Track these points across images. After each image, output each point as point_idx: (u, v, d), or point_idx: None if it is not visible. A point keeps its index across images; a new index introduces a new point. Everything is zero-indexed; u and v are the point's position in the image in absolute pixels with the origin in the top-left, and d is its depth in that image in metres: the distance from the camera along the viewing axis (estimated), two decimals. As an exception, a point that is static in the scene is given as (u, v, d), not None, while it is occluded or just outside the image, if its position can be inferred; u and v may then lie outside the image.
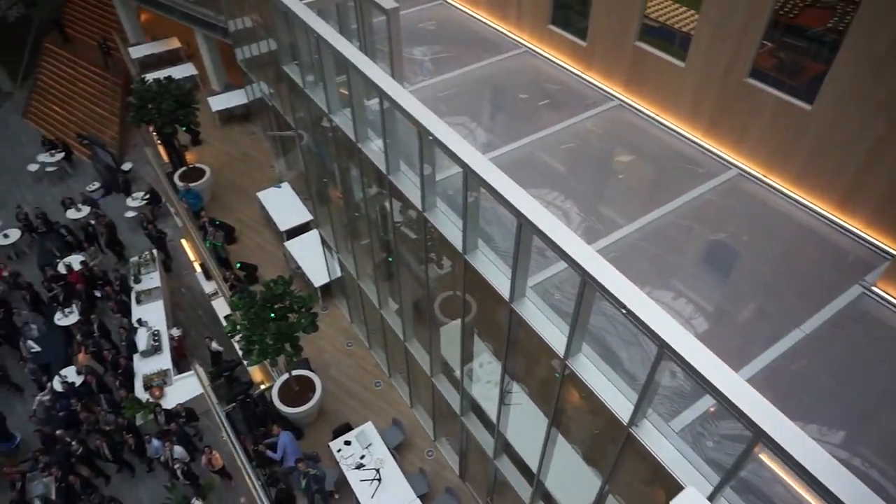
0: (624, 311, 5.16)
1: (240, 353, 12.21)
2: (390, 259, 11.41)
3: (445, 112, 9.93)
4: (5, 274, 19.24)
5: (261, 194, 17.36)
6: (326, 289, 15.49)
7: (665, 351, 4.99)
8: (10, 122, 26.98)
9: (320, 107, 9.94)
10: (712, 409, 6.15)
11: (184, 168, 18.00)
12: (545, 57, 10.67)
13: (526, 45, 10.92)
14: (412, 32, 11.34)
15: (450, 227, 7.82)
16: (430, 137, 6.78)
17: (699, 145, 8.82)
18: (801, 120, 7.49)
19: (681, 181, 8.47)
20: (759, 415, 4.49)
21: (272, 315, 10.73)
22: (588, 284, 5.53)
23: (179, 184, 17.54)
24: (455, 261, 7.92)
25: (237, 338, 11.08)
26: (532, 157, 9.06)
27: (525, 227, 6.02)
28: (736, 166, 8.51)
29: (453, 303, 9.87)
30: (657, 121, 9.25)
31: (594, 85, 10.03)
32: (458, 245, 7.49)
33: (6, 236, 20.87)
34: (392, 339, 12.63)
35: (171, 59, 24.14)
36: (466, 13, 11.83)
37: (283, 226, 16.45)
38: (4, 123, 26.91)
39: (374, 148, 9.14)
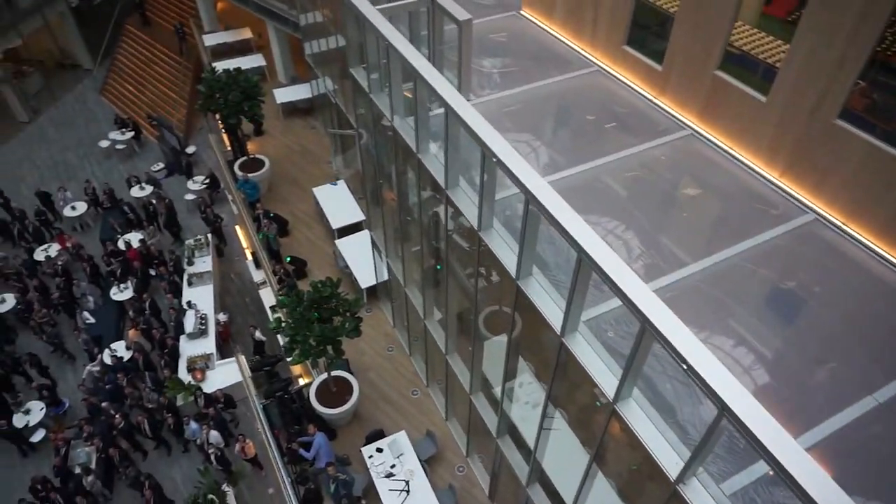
0: (685, 367, 4.85)
1: (282, 347, 12.29)
2: (438, 267, 11.27)
3: (510, 128, 9.72)
4: (69, 245, 20.02)
5: (316, 190, 17.52)
6: (372, 291, 15.48)
7: (725, 415, 4.67)
8: (89, 98, 28.13)
9: (384, 113, 9.87)
10: (769, 475, 5.75)
11: (244, 158, 18.35)
12: (617, 78, 10.31)
13: (598, 65, 10.59)
14: (483, 43, 11.15)
15: (505, 250, 7.60)
16: (494, 160, 6.58)
17: (775, 185, 8.33)
18: (894, 168, 6.97)
19: (752, 222, 8.01)
20: (815, 489, 4.14)
21: (317, 315, 10.74)
22: (647, 332, 5.23)
23: (239, 173, 17.90)
24: (507, 284, 7.69)
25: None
26: (595, 182, 8.75)
27: (585, 264, 5.76)
28: (814, 211, 8.00)
29: (499, 318, 9.65)
30: (731, 155, 8.80)
31: (666, 111, 9.63)
32: (512, 270, 7.27)
33: (73, 208, 21.73)
34: (433, 348, 12.49)
35: (242, 48, 24.68)
36: (540, 27, 11.56)
37: (336, 223, 16.54)
38: (83, 99, 28.08)
39: (434, 160, 9.00)
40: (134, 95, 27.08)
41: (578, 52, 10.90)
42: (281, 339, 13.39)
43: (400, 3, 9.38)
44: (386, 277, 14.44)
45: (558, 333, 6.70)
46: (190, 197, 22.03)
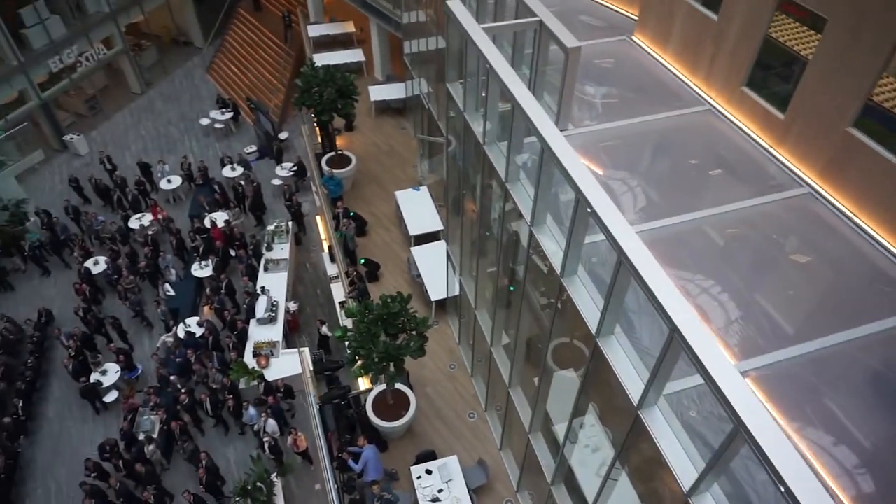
0: (783, 490, 4.22)
1: (345, 356, 12.21)
2: (511, 288, 10.85)
3: (606, 163, 9.14)
4: (160, 217, 20.90)
5: (398, 193, 17.42)
6: (441, 303, 15.22)
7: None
8: (196, 75, 29.38)
9: (476, 134, 9.51)
10: None
11: (332, 153, 18.50)
12: (731, 121, 9.48)
13: (711, 104, 9.78)
14: (587, 68, 10.54)
15: (587, 302, 7.09)
16: (588, 209, 6.08)
17: (904, 263, 7.37)
18: None
19: (871, 304, 7.10)
20: None
21: (383, 330, 10.56)
22: (740, 435, 4.63)
23: (325, 168, 18.08)
24: (585, 337, 7.18)
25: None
26: (694, 235, 8.04)
27: (677, 342, 5.19)
28: (948, 300, 7.01)
29: (569, 351, 9.13)
30: (855, 222, 7.86)
31: (783, 164, 8.74)
32: (592, 325, 6.75)
33: (169, 182, 22.70)
34: (496, 375, 12.07)
35: (344, 42, 25.00)
36: (651, 55, 10.84)
37: (413, 230, 16.38)
38: (191, 76, 29.34)
39: (522, 190, 8.56)
40: (237, 77, 28.03)
41: (690, 88, 10.13)
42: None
43: (506, 24, 8.98)
44: (457, 293, 14.12)
45: (634, 405, 6.14)
46: (277, 182, 22.55)
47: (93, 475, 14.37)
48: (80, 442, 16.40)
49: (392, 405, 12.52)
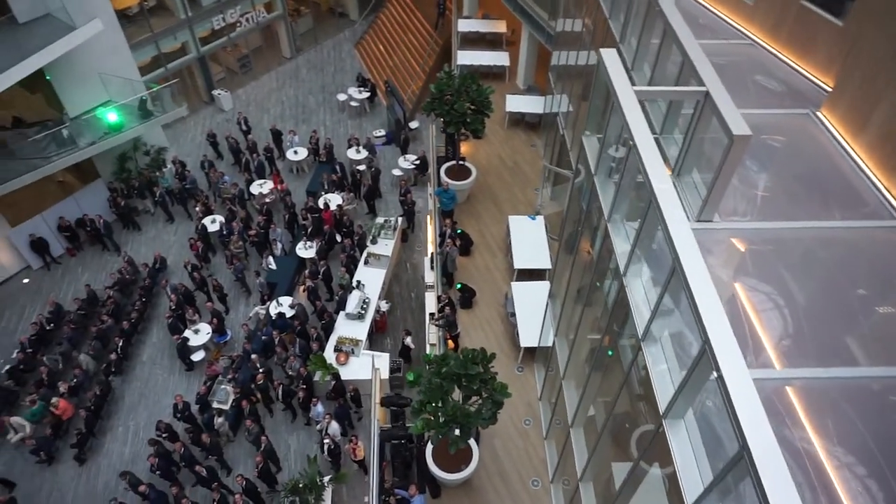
0: None
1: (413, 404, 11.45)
2: (610, 353, 9.63)
3: (751, 273, 7.60)
4: (279, 187, 21.27)
5: (512, 219, 16.33)
6: (530, 348, 14.14)
7: None
8: (344, 48, 29.69)
9: (601, 205, 8.30)
10: None
11: (453, 162, 17.67)
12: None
13: (908, 218, 7.89)
14: (753, 144, 8.92)
15: (688, 456, 5.82)
16: (714, 374, 4.82)
17: None
18: None
19: None
20: None
21: (456, 386, 9.73)
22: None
23: (443, 178, 17.27)
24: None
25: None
26: (847, 397, 6.42)
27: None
28: None
29: (657, 442, 7.84)
30: None
31: None
32: (691, 500, 5.50)
33: (296, 153, 23.06)
34: (570, 449, 10.92)
35: (492, 41, 23.99)
36: (839, 141, 8.96)
37: (519, 262, 15.31)
38: (339, 49, 29.70)
39: (639, 291, 7.30)
40: (382, 56, 27.97)
41: (884, 195, 8.22)
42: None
43: (664, 90, 7.65)
44: (549, 343, 12.98)
45: None
46: (397, 173, 22.25)
47: (163, 435, 14.87)
48: (163, 392, 17.12)
49: (453, 455, 11.72)
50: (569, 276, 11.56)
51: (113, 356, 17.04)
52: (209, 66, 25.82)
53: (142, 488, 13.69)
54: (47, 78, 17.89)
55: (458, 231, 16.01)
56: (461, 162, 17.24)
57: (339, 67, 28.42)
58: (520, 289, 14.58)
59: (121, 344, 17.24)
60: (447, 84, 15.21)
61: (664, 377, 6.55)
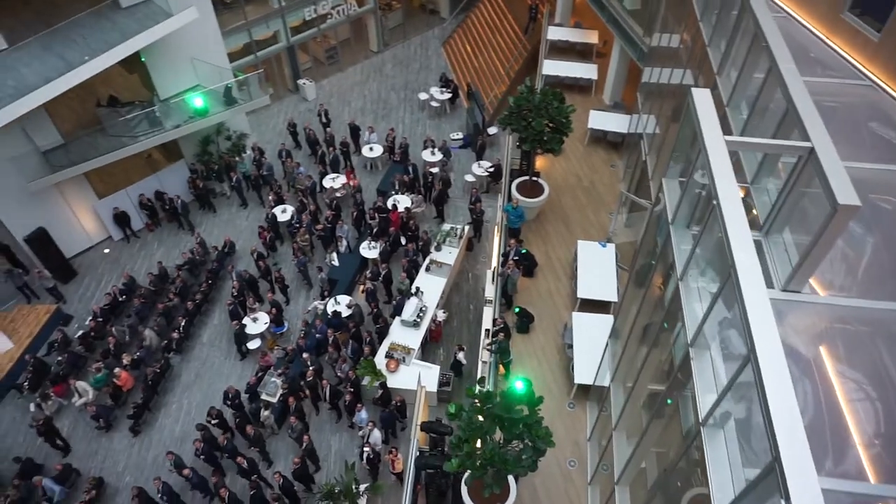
0: None
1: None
2: (668, 402, 8.87)
3: (842, 359, 6.68)
4: (351, 183, 21.28)
5: (581, 243, 15.53)
6: (584, 385, 13.40)
7: None
8: (431, 46, 29.46)
9: (674, 261, 7.56)
10: None
11: (526, 178, 16.96)
12: None
13: None
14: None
15: None
16: (776, 464, 4.13)
17: None
18: None
19: None
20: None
21: (498, 428, 9.21)
22: None
23: (514, 193, 16.63)
24: None
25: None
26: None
27: None
28: None
29: None
30: None
31: None
32: None
33: (371, 150, 23.03)
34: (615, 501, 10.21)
35: (582, 52, 23.01)
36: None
37: (583, 292, 14.53)
38: (426, 46, 29.50)
39: (706, 368, 6.55)
40: (468, 57, 27.55)
41: None
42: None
43: (761, 142, 6.80)
44: (606, 384, 12.24)
45: None
46: (469, 179, 21.83)
47: (213, 422, 15.13)
48: (217, 375, 17.48)
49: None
50: (635, 315, 10.79)
51: (175, 335, 17.53)
52: (297, 56, 26.19)
53: (185, 472, 13.97)
54: (143, 60, 18.54)
55: (523, 251, 15.38)
56: (534, 178, 16.54)
57: (425, 65, 28.21)
58: (581, 320, 13.84)
59: (183, 324, 17.72)
60: (526, 99, 14.54)
61: (722, 469, 5.82)
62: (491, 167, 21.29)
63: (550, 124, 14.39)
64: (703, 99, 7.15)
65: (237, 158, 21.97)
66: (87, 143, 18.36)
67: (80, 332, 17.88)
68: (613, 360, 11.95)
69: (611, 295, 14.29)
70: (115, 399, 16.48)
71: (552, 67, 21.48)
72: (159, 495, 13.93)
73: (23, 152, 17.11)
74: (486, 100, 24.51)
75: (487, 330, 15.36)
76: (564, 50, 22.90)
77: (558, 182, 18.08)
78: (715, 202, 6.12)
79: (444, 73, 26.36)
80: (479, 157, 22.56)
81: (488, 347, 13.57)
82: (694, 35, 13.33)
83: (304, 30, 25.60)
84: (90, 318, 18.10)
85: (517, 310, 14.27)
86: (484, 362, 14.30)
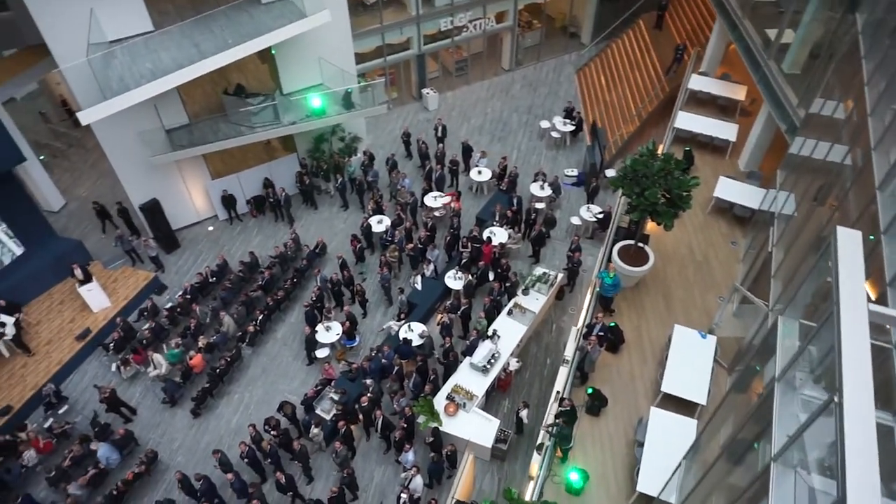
0: None
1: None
2: None
3: None
4: (453, 205, 20.68)
5: (679, 328, 13.84)
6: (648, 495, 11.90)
7: None
8: (564, 71, 28.22)
9: (773, 431, 6.16)
10: None
11: (631, 243, 15.40)
12: None
13: None
14: None
15: None
16: None
17: None
18: None
19: None
20: None
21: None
22: None
23: (614, 258, 15.16)
24: None
25: None
26: None
27: None
28: None
29: None
30: None
31: None
32: None
33: (480, 173, 22.31)
34: None
35: (723, 107, 20.65)
36: None
37: (668, 385, 12.88)
38: (559, 70, 28.30)
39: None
40: (600, 89, 26.10)
41: None
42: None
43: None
44: (672, 501, 10.79)
45: None
46: (575, 221, 20.57)
47: (270, 431, 15.07)
48: (283, 374, 17.56)
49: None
50: (731, 414, 9.33)
51: (251, 328, 17.78)
52: (426, 64, 25.95)
53: (229, 476, 14.01)
54: (273, 52, 18.90)
55: (611, 325, 14.00)
56: (641, 245, 15.03)
57: (553, 91, 27.07)
58: (659, 418, 12.32)
59: (260, 318, 17.94)
60: (645, 164, 13.05)
61: None
62: (600, 213, 19.91)
63: (667, 195, 12.86)
64: (849, 246, 5.75)
65: (346, 160, 22.05)
66: (208, 126, 19.03)
67: (169, 305, 18.62)
68: (688, 478, 10.49)
69: (700, 396, 12.62)
70: (185, 378, 16.95)
71: (687, 120, 19.63)
72: (198, 492, 14.08)
73: (150, 129, 17.95)
74: (609, 139, 23.04)
75: (558, 392, 14.25)
76: (704, 102, 20.86)
77: (667, 250, 16.37)
78: (836, 399, 4.78)
79: (571, 102, 25.07)
80: (590, 200, 21.21)
81: (548, 429, 12.45)
82: (856, 101, 11.48)
83: (437, 39, 25.28)
84: (180, 292, 18.79)
85: (590, 390, 12.99)
86: (540, 445, 13.14)
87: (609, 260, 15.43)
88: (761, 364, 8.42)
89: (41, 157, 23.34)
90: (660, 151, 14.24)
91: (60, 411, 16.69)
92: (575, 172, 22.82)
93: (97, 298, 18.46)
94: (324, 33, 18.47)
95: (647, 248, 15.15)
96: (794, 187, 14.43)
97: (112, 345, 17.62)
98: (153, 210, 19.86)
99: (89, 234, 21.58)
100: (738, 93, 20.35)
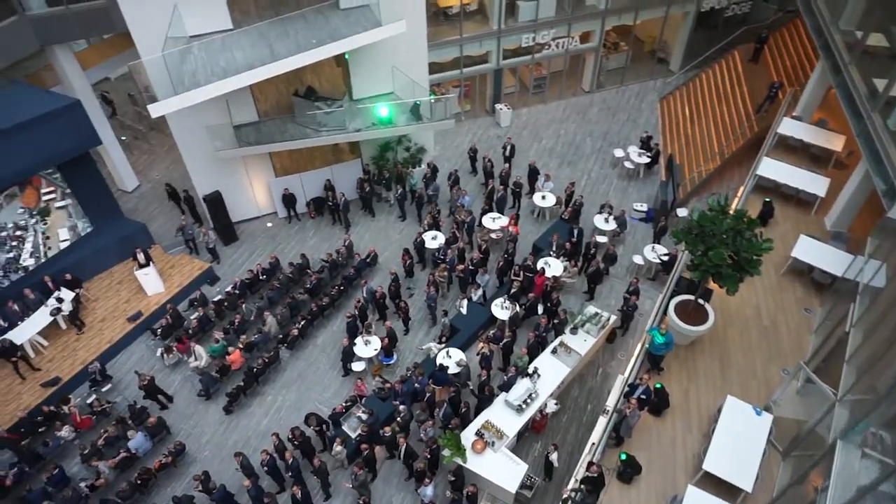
0: None
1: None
2: None
3: None
4: (510, 229, 20.01)
5: (732, 400, 12.55)
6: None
7: None
8: (647, 98, 26.95)
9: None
10: None
11: (690, 299, 14.16)
12: None
13: None
14: None
15: None
16: None
17: None
18: None
19: None
20: None
21: None
22: None
23: (670, 315, 13.95)
24: None
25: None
26: None
27: None
28: None
29: None
30: None
31: None
32: None
33: (543, 198, 21.51)
34: None
35: (816, 157, 18.78)
36: None
37: (710, 463, 11.53)
38: (642, 96, 27.05)
39: None
40: (683, 121, 24.72)
41: None
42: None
43: None
44: None
45: None
46: (638, 261, 19.49)
47: (294, 443, 14.94)
48: (317, 382, 17.44)
49: None
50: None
51: (293, 331, 17.77)
52: (503, 79, 25.34)
53: (246, 483, 13.95)
54: (346, 57, 18.82)
55: (657, 386, 12.96)
56: (700, 301, 13.86)
57: (632, 118, 25.87)
58: (695, 499, 11.25)
59: (302, 323, 17.90)
60: (712, 221, 11.87)
61: None
62: (666, 255, 18.72)
63: (733, 257, 11.68)
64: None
65: (409, 171, 21.78)
66: (276, 125, 19.17)
67: (217, 298, 18.88)
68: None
69: (745, 481, 11.39)
70: (222, 373, 17.10)
71: (772, 168, 18.06)
72: (214, 491, 14.13)
73: (219, 124, 18.24)
74: (686, 176, 21.74)
75: (593, 444, 13.39)
76: (794, 149, 19.13)
77: (730, 309, 15.02)
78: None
79: (649, 132, 23.80)
80: (657, 240, 20.02)
81: (570, 495, 11.61)
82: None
83: (517, 54, 24.63)
84: (230, 286, 19.02)
85: (623, 456, 12.03)
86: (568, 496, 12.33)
87: (665, 313, 14.34)
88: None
89: (123, 138, 24.37)
90: (733, 205, 13.12)
91: (103, 389, 17.20)
92: (644, 208, 21.65)
93: (153, 283, 18.95)
94: (399, 42, 18.24)
95: (708, 307, 13.95)
96: (888, 258, 12.94)
97: (160, 330, 18.01)
98: (216, 201, 20.23)
99: (157, 217, 22.31)
100: (835, 142, 18.57)
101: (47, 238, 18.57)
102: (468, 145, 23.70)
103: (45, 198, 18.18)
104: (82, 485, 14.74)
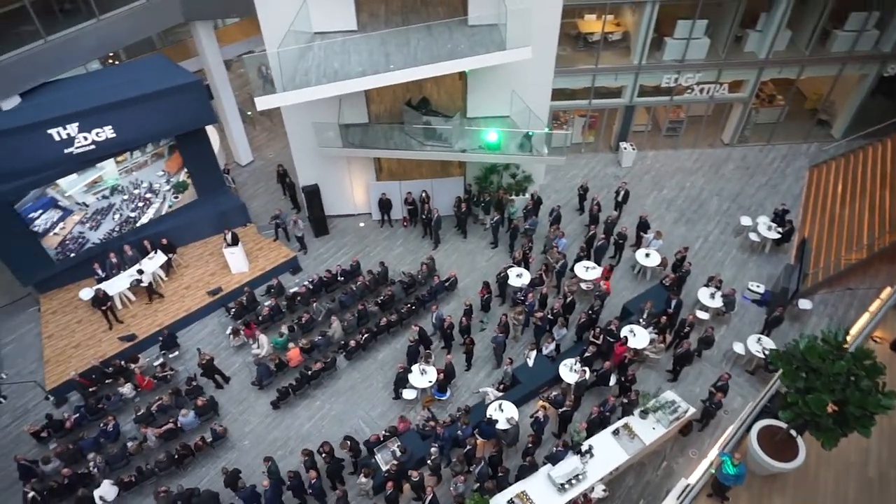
0: None
1: None
2: None
3: None
4: (602, 283, 18.43)
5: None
6: None
7: None
8: (794, 164, 23.91)
9: None
10: None
11: (781, 425, 11.73)
12: None
13: None
14: None
15: None
16: None
17: None
18: None
19: None
20: None
21: None
22: None
23: (752, 442, 11.80)
24: None
25: None
26: None
27: None
28: None
29: None
30: None
31: None
32: None
33: (647, 255, 19.57)
34: None
35: None
36: None
37: None
38: (790, 161, 24.04)
39: None
40: (830, 198, 21.60)
41: None
42: None
43: None
44: None
45: None
46: (738, 350, 17.31)
47: (324, 455, 14.67)
48: (367, 399, 17.02)
49: None
50: None
51: (354, 342, 17.49)
52: (634, 116, 23.49)
53: (265, 483, 13.91)
54: (466, 73, 18.07)
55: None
56: (792, 433, 11.70)
57: (772, 183, 23.06)
58: None
59: (365, 336, 17.55)
60: (822, 356, 9.70)
61: None
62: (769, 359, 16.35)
63: (837, 408, 9.49)
64: None
65: (511, 199, 20.76)
66: (383, 130, 18.84)
67: (293, 290, 18.99)
68: None
69: None
70: (278, 368, 17.15)
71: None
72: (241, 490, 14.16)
73: (326, 122, 18.18)
74: (819, 264, 19.01)
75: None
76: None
77: (829, 452, 12.68)
78: None
79: (787, 204, 20.99)
80: (766, 331, 17.62)
81: None
82: None
83: (652, 94, 22.69)
84: (307, 281, 19.06)
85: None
86: None
87: (746, 433, 12.32)
88: None
89: (248, 113, 25.26)
90: (854, 331, 10.74)
91: (171, 355, 17.84)
92: (761, 289, 19.14)
93: (238, 262, 19.40)
94: (524, 66, 17.15)
95: (800, 440, 11.81)
96: None
97: (233, 310, 18.40)
98: (312, 193, 20.35)
99: (261, 195, 22.94)
100: None
101: (171, 210, 19.81)
102: (581, 180, 22.25)
103: (185, 171, 19.43)
104: (129, 444, 15.33)
